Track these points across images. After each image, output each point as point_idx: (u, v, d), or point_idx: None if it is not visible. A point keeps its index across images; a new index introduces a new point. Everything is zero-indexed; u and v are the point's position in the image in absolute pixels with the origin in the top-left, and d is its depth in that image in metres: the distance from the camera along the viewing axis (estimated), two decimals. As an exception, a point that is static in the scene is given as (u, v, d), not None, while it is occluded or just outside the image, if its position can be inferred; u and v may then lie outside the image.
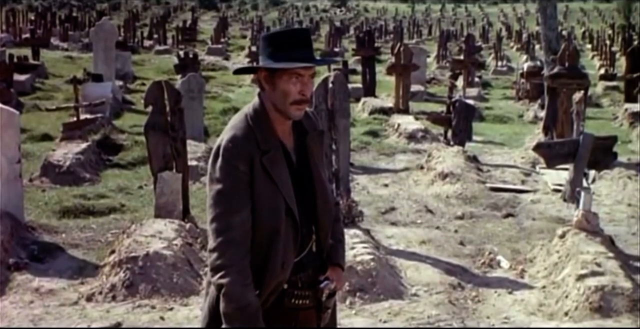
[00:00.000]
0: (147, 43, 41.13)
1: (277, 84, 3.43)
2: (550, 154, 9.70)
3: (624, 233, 9.88)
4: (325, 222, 3.63)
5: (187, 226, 8.53)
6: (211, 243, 3.39)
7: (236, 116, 3.57)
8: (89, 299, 7.15)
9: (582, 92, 12.32)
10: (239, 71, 3.86)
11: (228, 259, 3.35)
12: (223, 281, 3.34)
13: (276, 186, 3.40)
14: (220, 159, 3.37)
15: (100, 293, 7.18)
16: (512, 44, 52.76)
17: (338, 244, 3.80)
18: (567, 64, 14.33)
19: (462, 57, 24.18)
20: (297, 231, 3.47)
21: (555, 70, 14.28)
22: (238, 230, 3.35)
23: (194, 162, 11.82)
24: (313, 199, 3.58)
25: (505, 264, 8.53)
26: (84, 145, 12.93)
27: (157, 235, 7.91)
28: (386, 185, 12.11)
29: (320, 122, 3.83)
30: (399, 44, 21.34)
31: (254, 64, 3.83)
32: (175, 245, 7.76)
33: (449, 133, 14.31)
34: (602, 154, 9.68)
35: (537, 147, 9.95)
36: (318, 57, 3.73)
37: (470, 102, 17.57)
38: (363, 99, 20.29)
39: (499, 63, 35.14)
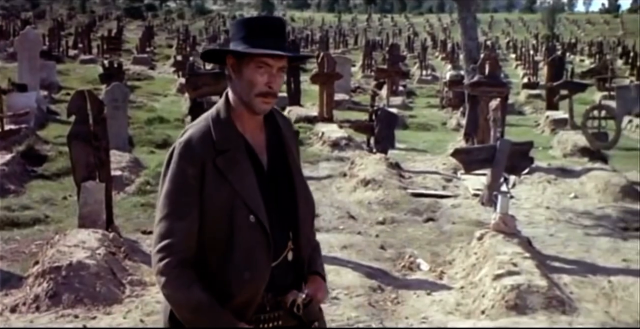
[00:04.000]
0: (72, 52, 40.80)
1: (244, 73, 3.12)
2: (468, 160, 9.98)
3: (542, 235, 10.19)
4: (306, 225, 3.29)
5: (111, 235, 8.53)
6: (153, 247, 3.14)
7: (200, 116, 3.30)
8: (12, 310, 7.10)
9: (499, 99, 12.64)
10: (206, 54, 3.43)
11: (165, 265, 3.05)
12: (165, 290, 3.10)
13: (233, 189, 3.06)
14: (171, 161, 3.11)
15: (24, 303, 7.13)
16: (437, 53, 53.59)
17: (313, 251, 3.43)
18: (487, 73, 14.67)
19: (386, 66, 24.53)
20: (267, 237, 3.09)
21: (475, 78, 14.60)
22: (179, 236, 3.05)
23: (118, 172, 11.83)
24: (292, 200, 3.25)
25: (425, 266, 8.73)
26: (8, 156, 12.83)
27: (81, 245, 7.89)
28: (311, 192, 12.18)
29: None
30: (322, 54, 21.51)
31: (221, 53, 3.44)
32: (99, 254, 7.75)
33: (372, 141, 14.55)
34: (518, 159, 10.00)
35: (455, 153, 10.22)
36: None
37: (394, 110, 17.88)
38: (288, 108, 20.41)
39: (424, 72, 35.70)
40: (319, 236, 9.38)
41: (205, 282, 3.09)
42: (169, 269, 3.06)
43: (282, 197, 3.23)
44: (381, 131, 14.08)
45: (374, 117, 14.43)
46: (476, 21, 16.42)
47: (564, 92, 21.06)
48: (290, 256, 3.23)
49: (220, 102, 3.21)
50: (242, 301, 3.10)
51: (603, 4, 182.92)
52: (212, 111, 3.21)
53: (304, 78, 23.33)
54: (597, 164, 14.67)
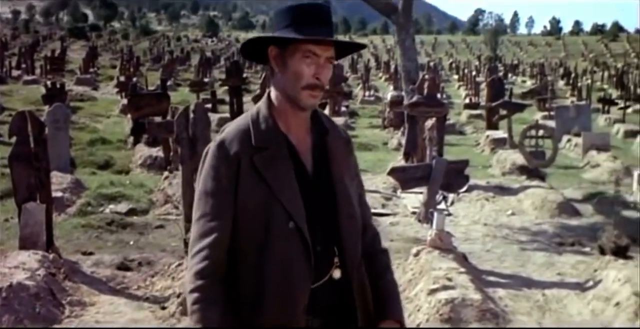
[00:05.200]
0: (15, 73, 40.54)
1: (289, 64, 2.84)
2: (405, 178, 10.17)
3: (479, 250, 10.42)
4: (351, 243, 2.91)
5: (51, 256, 8.53)
6: (189, 249, 2.92)
7: (242, 114, 3.07)
8: (-48, 332, 7.13)
9: (435, 119, 12.88)
10: (247, 47, 3.02)
11: (196, 274, 2.82)
12: (189, 299, 2.86)
13: (271, 191, 2.78)
14: (205, 160, 2.88)
15: (-36, 326, 7.17)
16: (380, 74, 54.04)
17: (390, 286, 3.11)
18: (425, 93, 14.93)
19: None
20: (307, 248, 2.79)
21: (414, 99, 14.85)
22: (211, 239, 2.80)
23: (59, 194, 11.84)
24: (334, 215, 2.90)
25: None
26: (-51, 178, 12.76)
27: (21, 266, 7.89)
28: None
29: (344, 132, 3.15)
30: (263, 74, 21.68)
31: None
32: (38, 275, 7.76)
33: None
34: (454, 177, 10.22)
35: (392, 172, 10.40)
36: None
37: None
38: (231, 129, 20.53)
39: (367, 93, 36.05)
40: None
41: (233, 295, 2.85)
42: (198, 278, 2.83)
43: (325, 209, 2.90)
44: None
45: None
46: (414, 43, 16.67)
47: (503, 112, 21.48)
48: (336, 274, 2.89)
49: (262, 101, 2.97)
50: (275, 324, 2.80)
51: (545, 27, 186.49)
52: (252, 109, 2.96)
53: (247, 99, 23.48)
54: (535, 182, 15.01)
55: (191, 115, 9.19)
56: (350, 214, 2.93)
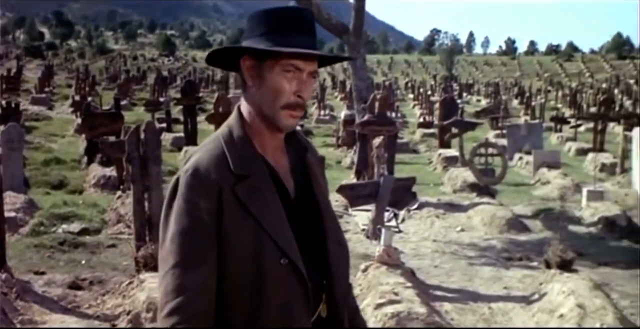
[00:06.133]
0: (-31, 94, 40.22)
1: (266, 78, 2.43)
2: (353, 195, 10.35)
3: (427, 266, 10.60)
4: (340, 273, 2.57)
5: (3, 276, 8.54)
6: (160, 307, 2.38)
7: (210, 136, 2.59)
8: None
9: (382, 137, 13.09)
10: (214, 55, 2.60)
11: None
12: None
13: (258, 224, 2.37)
14: (177, 195, 2.39)
15: None
16: (336, 93, 54.31)
17: (356, 315, 2.79)
18: (376, 112, 15.15)
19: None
20: (304, 286, 2.41)
21: (365, 117, 15.06)
22: (192, 292, 2.33)
23: (12, 213, 11.85)
24: (321, 241, 2.54)
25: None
26: None
27: (-28, 285, 7.97)
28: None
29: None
30: (217, 94, 21.80)
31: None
32: (-10, 295, 7.83)
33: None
34: (402, 194, 10.42)
35: (341, 189, 10.58)
36: None
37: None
38: (185, 148, 20.63)
39: (322, 112, 36.24)
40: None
41: None
42: None
43: (310, 235, 2.52)
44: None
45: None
46: (365, 62, 16.90)
47: (455, 130, 21.79)
48: (324, 313, 2.53)
49: (231, 118, 2.53)
50: None
51: (500, 46, 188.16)
52: (222, 130, 2.52)
53: (201, 118, 23.56)
54: (485, 199, 15.25)
55: (142, 134, 9.26)
56: (338, 240, 2.59)
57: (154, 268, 8.30)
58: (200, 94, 31.67)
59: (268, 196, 2.42)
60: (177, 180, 2.42)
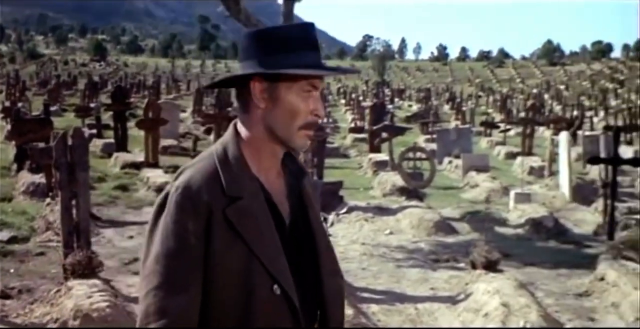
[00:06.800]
0: None
1: (283, 100, 2.33)
2: (281, 200, 10.43)
3: (355, 268, 10.73)
4: (335, 307, 2.46)
5: None
6: (140, 325, 2.26)
7: (201, 153, 2.47)
8: None
9: (309, 142, 13.20)
10: (218, 84, 2.57)
11: None
12: None
13: (249, 250, 2.24)
14: (165, 212, 2.27)
15: None
16: (268, 98, 54.39)
17: None
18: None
19: (212, 111, 24.94)
20: (296, 318, 2.30)
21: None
22: (174, 316, 2.21)
23: None
24: (315, 272, 2.42)
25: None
26: None
27: None
28: (131, 237, 12.36)
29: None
30: (147, 100, 21.70)
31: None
32: None
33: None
34: (330, 197, 10.52)
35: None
36: None
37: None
38: (115, 154, 20.51)
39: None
40: (137, 279, 9.71)
41: None
42: None
43: (304, 265, 2.40)
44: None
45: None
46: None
47: (385, 135, 22.01)
48: None
49: (227, 137, 2.41)
50: None
51: (432, 53, 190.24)
52: (216, 147, 2.40)
53: (132, 124, 23.43)
54: (413, 202, 15.46)
55: (70, 140, 9.21)
56: (333, 271, 2.49)
57: (82, 275, 8.30)
58: (132, 100, 31.48)
59: (261, 220, 2.29)
60: (166, 195, 2.30)
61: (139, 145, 21.57)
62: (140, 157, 19.66)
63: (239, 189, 2.28)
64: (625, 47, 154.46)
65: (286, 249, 2.31)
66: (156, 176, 17.04)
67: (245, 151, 2.36)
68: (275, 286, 2.24)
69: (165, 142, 21.75)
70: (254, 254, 2.23)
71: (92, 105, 35.95)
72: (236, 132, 2.39)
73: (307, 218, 2.45)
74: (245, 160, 2.34)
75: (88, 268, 8.51)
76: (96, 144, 23.00)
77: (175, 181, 2.31)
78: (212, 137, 22.96)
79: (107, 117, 28.90)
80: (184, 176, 2.31)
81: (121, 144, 21.11)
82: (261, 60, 2.32)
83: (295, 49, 2.32)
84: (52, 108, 28.90)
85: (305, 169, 2.55)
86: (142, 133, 19.47)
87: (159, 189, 15.93)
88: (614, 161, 12.77)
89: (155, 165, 18.62)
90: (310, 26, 2.39)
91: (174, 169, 16.72)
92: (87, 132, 22.17)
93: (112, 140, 22.10)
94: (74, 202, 9.06)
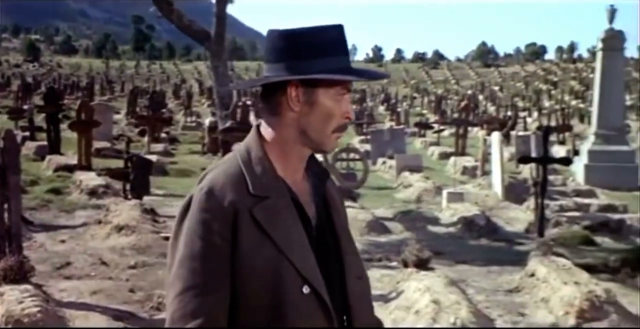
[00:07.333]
0: None
1: (319, 104, 2.31)
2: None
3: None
4: (362, 310, 2.42)
5: None
6: None
7: (225, 156, 2.49)
8: None
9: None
10: (249, 85, 2.81)
11: None
12: None
13: (278, 249, 2.21)
14: (189, 216, 2.24)
15: None
16: (204, 100, 54.23)
17: None
18: (239, 119, 15.29)
19: (146, 113, 24.83)
20: (328, 317, 2.26)
21: (227, 124, 15.18)
22: (204, 319, 2.16)
23: None
24: (341, 274, 2.38)
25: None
26: None
27: None
28: (63, 241, 12.13)
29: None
30: (79, 102, 21.50)
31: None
32: None
33: (128, 187, 14.80)
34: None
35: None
36: None
37: (153, 157, 18.19)
38: (48, 157, 20.22)
39: (189, 119, 36.18)
40: (69, 283, 9.69)
41: None
42: None
43: (330, 268, 2.35)
44: (136, 178, 14.37)
45: (129, 164, 14.71)
46: (227, 69, 17.00)
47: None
48: None
49: (249, 139, 2.38)
50: None
51: (367, 54, 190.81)
52: (239, 149, 2.38)
53: (65, 126, 23.17)
54: (347, 203, 15.56)
55: (1, 143, 9.11)
56: (359, 275, 2.44)
57: (14, 281, 8.23)
58: (65, 101, 31.15)
59: (289, 220, 2.26)
60: (191, 198, 2.26)
61: (73, 147, 21.36)
62: (73, 160, 19.41)
63: (265, 188, 2.25)
64: (559, 49, 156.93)
65: (313, 249, 2.28)
66: (89, 178, 16.83)
67: (271, 152, 2.33)
68: (305, 286, 2.20)
69: (98, 144, 21.55)
70: (283, 254, 2.20)
71: (25, 107, 35.49)
72: (259, 135, 2.36)
73: (332, 220, 2.43)
74: (270, 161, 2.31)
75: (20, 273, 8.38)
76: (29, 147, 22.69)
77: (199, 184, 2.28)
78: (146, 138, 22.83)
79: (40, 119, 28.58)
80: (208, 177, 2.28)
81: (54, 147, 20.82)
82: (297, 64, 2.30)
83: (331, 53, 2.31)
84: (-16, 110, 28.45)
85: (328, 171, 2.53)
86: (75, 135, 19.28)
87: (92, 192, 15.83)
88: (544, 160, 13.06)
89: (88, 168, 18.40)
90: (342, 29, 2.37)
91: (107, 171, 16.61)
92: (19, 134, 21.91)
93: (45, 142, 21.83)
94: (5, 206, 8.96)
